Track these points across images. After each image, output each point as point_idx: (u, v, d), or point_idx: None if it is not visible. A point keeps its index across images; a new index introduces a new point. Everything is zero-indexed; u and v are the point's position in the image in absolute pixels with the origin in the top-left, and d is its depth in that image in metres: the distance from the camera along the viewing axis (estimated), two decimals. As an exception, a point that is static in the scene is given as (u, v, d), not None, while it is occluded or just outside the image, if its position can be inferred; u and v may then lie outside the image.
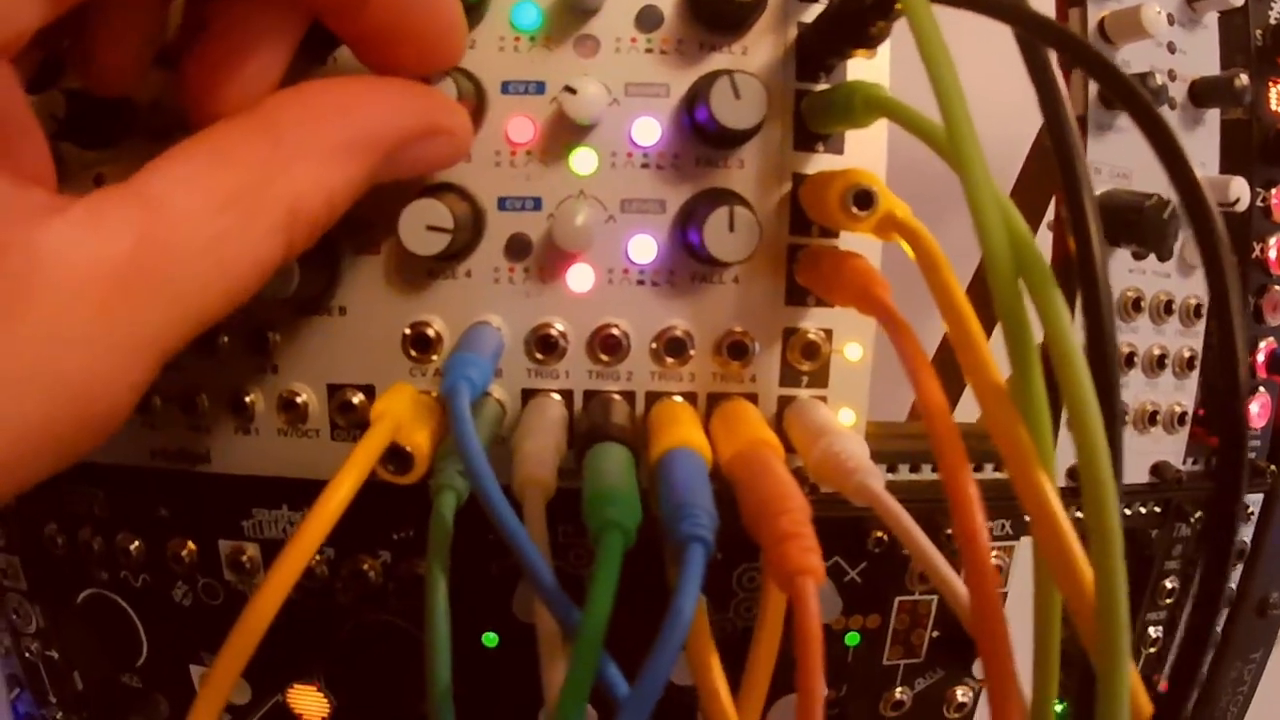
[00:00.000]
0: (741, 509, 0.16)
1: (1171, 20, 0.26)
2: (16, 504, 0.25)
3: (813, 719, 0.12)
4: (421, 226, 0.19)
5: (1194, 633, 0.14)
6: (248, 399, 0.23)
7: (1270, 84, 0.28)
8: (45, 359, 0.12)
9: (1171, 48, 0.26)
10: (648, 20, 0.21)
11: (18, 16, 0.13)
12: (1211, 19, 0.27)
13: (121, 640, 0.26)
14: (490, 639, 0.24)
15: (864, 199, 0.18)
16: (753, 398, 0.22)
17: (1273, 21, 0.28)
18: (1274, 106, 0.28)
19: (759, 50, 0.21)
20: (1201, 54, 0.27)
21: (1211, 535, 0.13)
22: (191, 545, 0.24)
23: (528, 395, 0.22)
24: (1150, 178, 0.25)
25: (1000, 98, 0.23)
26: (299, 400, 0.22)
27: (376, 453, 0.18)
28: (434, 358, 0.21)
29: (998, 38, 0.16)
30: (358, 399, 0.22)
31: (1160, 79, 0.24)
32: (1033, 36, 0.15)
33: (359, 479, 0.17)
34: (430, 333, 0.21)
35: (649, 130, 0.21)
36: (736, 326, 0.21)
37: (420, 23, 0.17)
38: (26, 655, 0.27)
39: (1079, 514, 0.12)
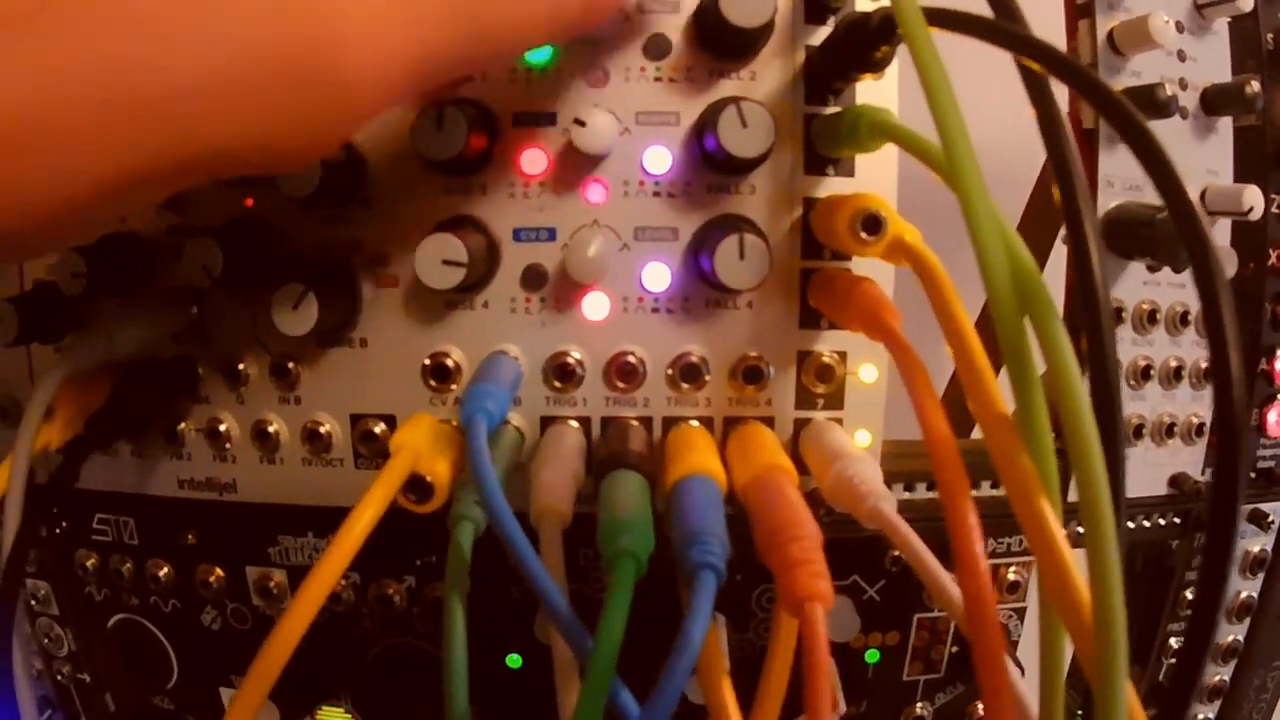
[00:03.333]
0: (755, 534, 0.18)
1: (1180, 28, 0.27)
2: (49, 531, 0.27)
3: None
4: (437, 261, 0.21)
5: (1192, 643, 0.15)
6: (271, 429, 0.24)
7: None
8: None
9: (1182, 56, 0.27)
10: (656, 49, 0.22)
11: None
12: (1221, 25, 0.28)
13: (152, 664, 0.28)
14: (514, 660, 0.25)
15: (872, 224, 0.20)
16: (769, 421, 0.23)
17: None
18: (1289, 109, 0.29)
19: (767, 75, 0.23)
20: (1212, 60, 0.28)
21: (1208, 546, 0.14)
22: (219, 572, 0.26)
23: (546, 422, 0.23)
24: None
25: (1021, 115, 0.25)
26: (322, 430, 0.24)
27: (397, 483, 0.19)
28: (453, 387, 0.23)
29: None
30: (379, 428, 0.24)
31: (1170, 89, 0.25)
32: (1015, 51, 0.16)
33: (380, 509, 0.19)
34: (449, 363, 0.23)
35: (660, 159, 0.22)
36: (751, 351, 0.23)
37: None
38: (59, 678, 0.29)
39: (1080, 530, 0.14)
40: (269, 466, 0.25)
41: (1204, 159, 0.27)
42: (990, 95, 0.25)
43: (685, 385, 0.23)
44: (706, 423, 0.23)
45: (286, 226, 0.23)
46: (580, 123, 0.21)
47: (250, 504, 0.25)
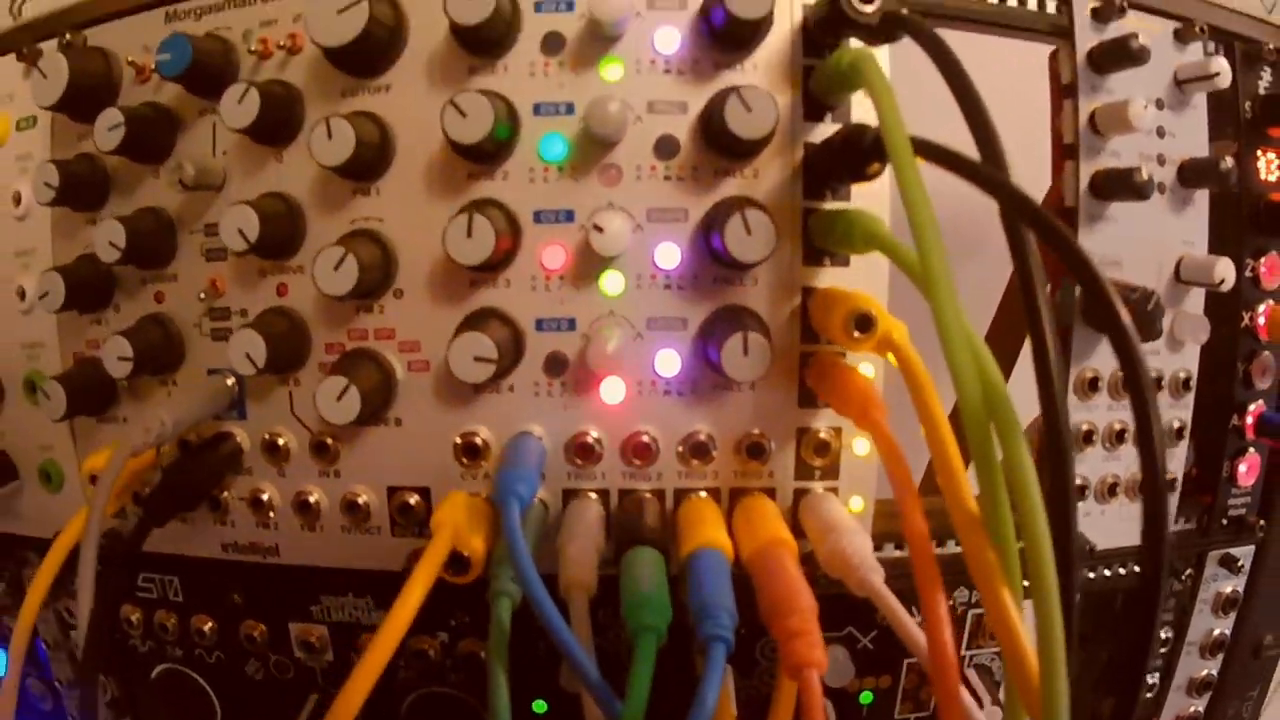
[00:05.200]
0: (758, 603, 0.21)
1: (1161, 104, 0.30)
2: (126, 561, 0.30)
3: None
4: (469, 358, 0.24)
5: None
6: (312, 499, 0.27)
7: (1259, 154, 0.32)
8: None
9: (1161, 132, 0.30)
10: (665, 149, 0.25)
11: None
12: (1200, 98, 0.30)
13: (196, 712, 0.31)
14: (539, 706, 0.28)
15: (864, 323, 0.23)
16: (771, 492, 0.26)
17: (1262, 92, 0.32)
18: (1264, 176, 0.32)
19: (769, 173, 0.25)
20: (1190, 133, 0.30)
21: (1132, 613, 0.17)
22: (263, 627, 0.29)
23: (569, 494, 0.26)
24: (1141, 267, 0.29)
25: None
26: (360, 501, 0.27)
27: (440, 560, 0.23)
28: (483, 464, 0.26)
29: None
30: (414, 499, 0.27)
31: (1146, 171, 0.27)
32: (992, 195, 0.19)
33: (427, 585, 0.22)
34: (478, 441, 0.26)
35: (670, 255, 0.25)
36: (754, 429, 0.26)
37: None
38: (106, 724, 0.33)
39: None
40: (310, 534, 0.28)
41: (1180, 231, 0.30)
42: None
43: (695, 461, 0.26)
44: (715, 494, 0.26)
45: (321, 313, 0.26)
46: (598, 228, 0.23)
47: (292, 566, 0.28)
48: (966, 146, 0.20)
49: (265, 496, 0.27)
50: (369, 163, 0.25)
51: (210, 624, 0.29)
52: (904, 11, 0.23)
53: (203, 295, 0.27)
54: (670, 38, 0.25)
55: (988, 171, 0.19)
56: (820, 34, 0.25)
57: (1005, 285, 0.43)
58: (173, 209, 0.27)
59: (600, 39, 0.25)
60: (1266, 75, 0.32)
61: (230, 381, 0.27)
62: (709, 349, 0.24)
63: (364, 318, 0.26)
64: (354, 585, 0.28)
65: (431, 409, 0.26)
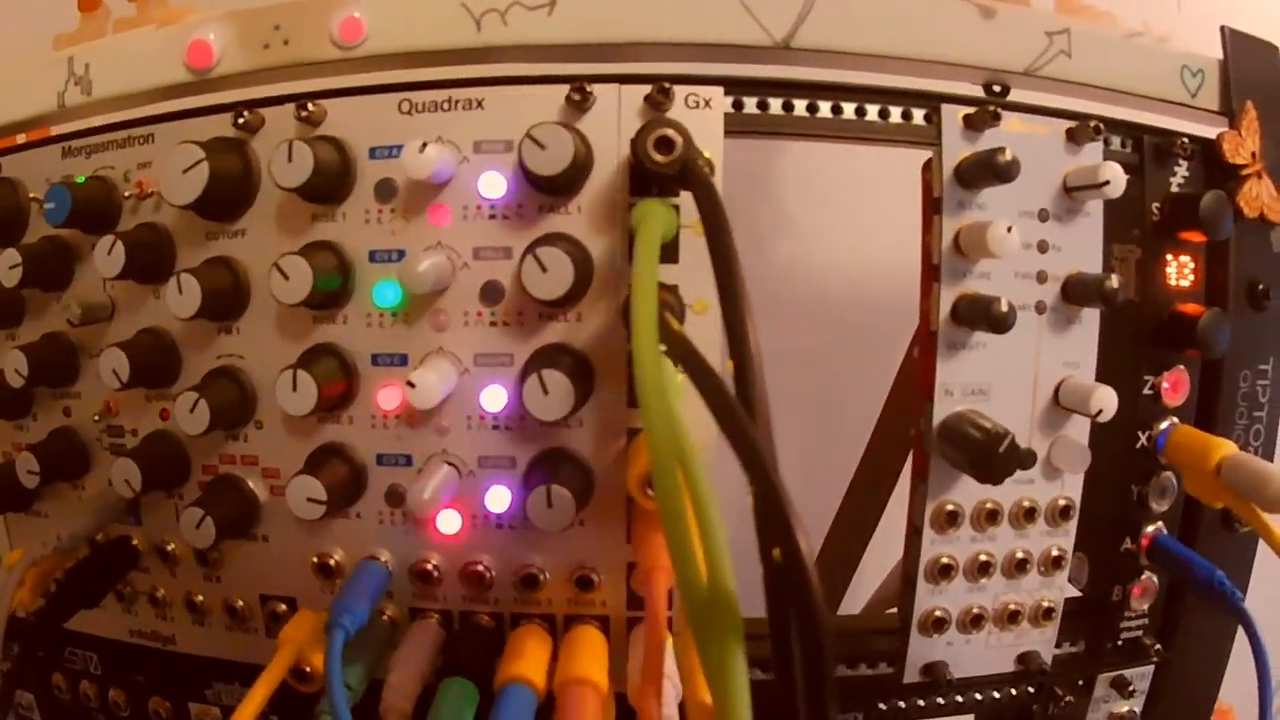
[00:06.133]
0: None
1: (1045, 215, 0.28)
2: (26, 646, 0.34)
3: None
4: (303, 499, 0.26)
5: None
6: (199, 599, 0.30)
7: (1169, 258, 0.30)
8: None
9: (1043, 247, 0.28)
10: (491, 294, 0.26)
11: None
12: (1096, 204, 0.29)
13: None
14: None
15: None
16: (604, 620, 0.27)
17: (1174, 190, 0.30)
18: (1174, 283, 0.30)
19: (592, 317, 0.26)
20: (1080, 244, 0.29)
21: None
22: (168, 704, 0.33)
23: (415, 613, 0.28)
24: (1013, 393, 0.28)
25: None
26: (238, 606, 0.30)
27: (282, 673, 0.25)
28: (338, 581, 0.28)
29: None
30: (282, 608, 0.29)
31: (1006, 303, 0.26)
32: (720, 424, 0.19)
33: (268, 692, 0.24)
34: (332, 563, 0.28)
35: (496, 398, 0.26)
36: (584, 563, 0.27)
37: None
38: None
39: None
40: (200, 628, 0.31)
41: (1063, 351, 0.29)
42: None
43: (526, 590, 0.27)
44: (549, 619, 0.28)
45: (196, 439, 0.29)
46: (411, 385, 0.25)
47: (188, 655, 0.31)
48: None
49: (160, 594, 0.31)
50: (225, 307, 0.27)
51: (124, 698, 0.33)
52: (690, 160, 0.23)
53: (97, 417, 0.30)
54: (495, 183, 0.26)
55: (722, 401, 0.18)
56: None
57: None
58: (73, 335, 0.30)
59: (428, 186, 0.26)
60: (1181, 170, 0.30)
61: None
62: (527, 500, 0.25)
63: (232, 444, 0.29)
64: (240, 675, 0.31)
65: (292, 530, 0.28)
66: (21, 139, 0.32)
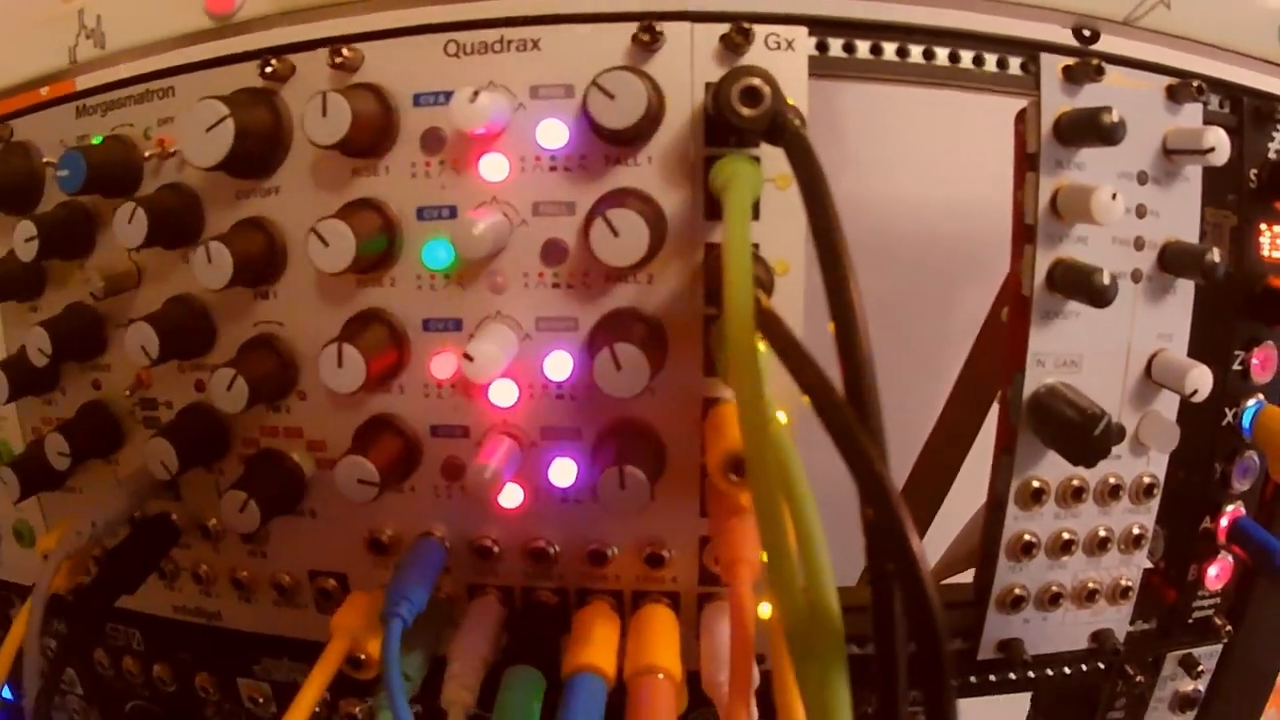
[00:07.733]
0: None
1: (1145, 178, 0.26)
2: (69, 629, 0.33)
3: None
4: (354, 481, 0.24)
5: None
6: (243, 575, 0.29)
7: (1263, 229, 0.28)
8: None
9: (1141, 212, 0.26)
10: (553, 254, 0.24)
11: None
12: (1195, 169, 0.27)
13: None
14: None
15: (739, 467, 0.22)
16: (674, 596, 0.26)
17: (1272, 156, 0.28)
18: (1266, 253, 0.28)
19: (665, 278, 0.24)
20: (1179, 210, 0.27)
21: None
22: (215, 680, 0.32)
23: (473, 589, 0.27)
24: (1106, 365, 0.27)
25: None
26: (285, 582, 0.29)
27: (337, 663, 0.24)
28: (392, 557, 0.27)
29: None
30: (331, 584, 0.28)
31: (1108, 275, 0.24)
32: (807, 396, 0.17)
33: (324, 684, 0.23)
34: (384, 539, 0.27)
35: (561, 365, 0.25)
36: (655, 538, 0.26)
37: None
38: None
39: None
40: (246, 604, 0.30)
41: (1157, 322, 0.27)
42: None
43: (593, 567, 0.26)
44: (617, 595, 0.27)
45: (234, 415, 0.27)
46: (469, 357, 0.23)
47: (234, 630, 0.31)
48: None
49: (203, 570, 0.30)
50: (260, 272, 0.25)
51: (169, 673, 0.33)
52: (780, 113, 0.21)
53: (128, 392, 0.29)
54: (555, 132, 0.24)
55: (812, 374, 0.17)
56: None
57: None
58: (99, 305, 0.29)
59: (480, 136, 0.24)
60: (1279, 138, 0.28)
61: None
62: (595, 469, 0.24)
63: (273, 416, 0.27)
64: (289, 651, 0.31)
65: (340, 504, 0.27)
66: (44, 93, 0.29)
